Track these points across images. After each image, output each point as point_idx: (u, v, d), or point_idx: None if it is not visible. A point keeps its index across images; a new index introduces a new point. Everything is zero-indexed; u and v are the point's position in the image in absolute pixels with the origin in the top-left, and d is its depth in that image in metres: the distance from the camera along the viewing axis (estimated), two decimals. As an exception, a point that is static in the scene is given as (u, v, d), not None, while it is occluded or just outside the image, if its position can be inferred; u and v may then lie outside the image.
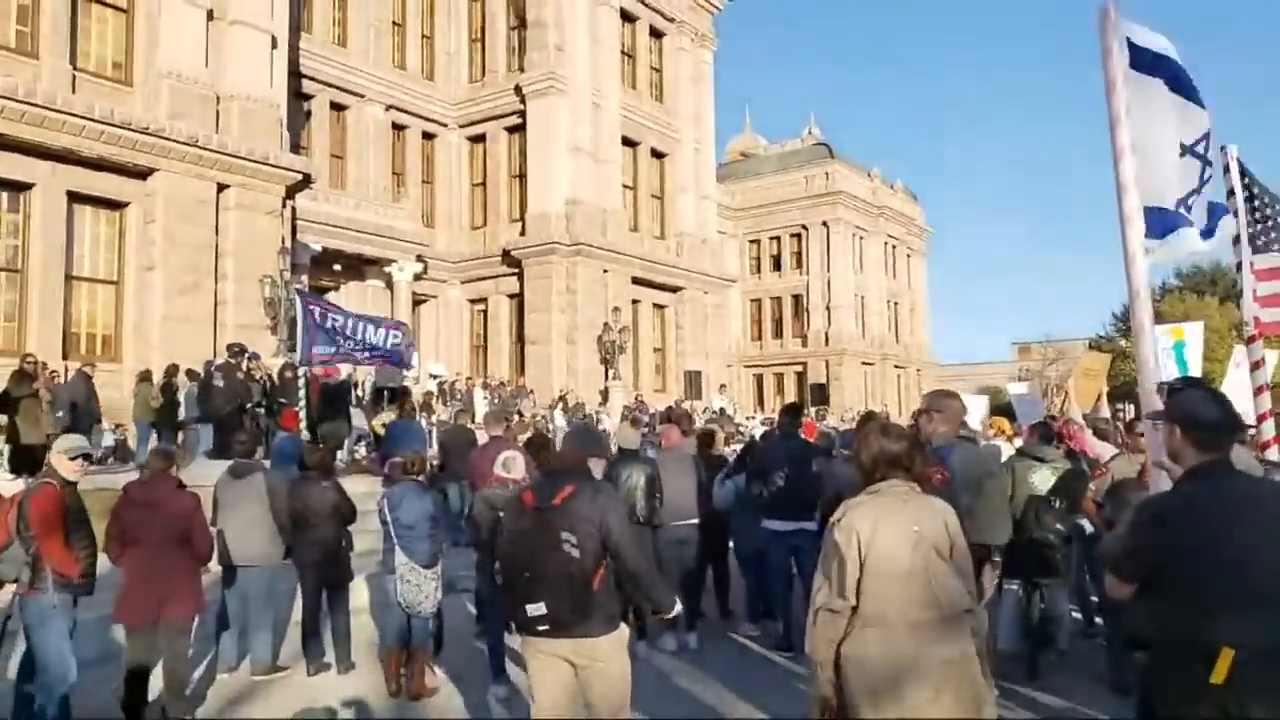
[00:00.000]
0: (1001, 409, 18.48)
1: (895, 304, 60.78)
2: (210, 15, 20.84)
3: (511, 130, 33.97)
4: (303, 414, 13.28)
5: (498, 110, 33.98)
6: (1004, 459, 7.53)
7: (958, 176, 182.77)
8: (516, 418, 20.63)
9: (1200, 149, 4.16)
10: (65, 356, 17.82)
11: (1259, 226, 5.90)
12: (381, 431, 14.42)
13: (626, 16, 34.95)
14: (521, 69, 32.97)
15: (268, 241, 21.18)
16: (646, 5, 35.49)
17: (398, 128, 33.64)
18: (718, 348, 38.23)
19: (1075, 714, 5.85)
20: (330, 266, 28.24)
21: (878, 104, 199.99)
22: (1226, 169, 5.81)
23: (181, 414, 15.36)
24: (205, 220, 20.20)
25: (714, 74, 39.41)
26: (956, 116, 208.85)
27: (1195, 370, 10.32)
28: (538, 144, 32.26)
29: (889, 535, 3.14)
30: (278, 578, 7.37)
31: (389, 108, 32.82)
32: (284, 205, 22.20)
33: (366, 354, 13.65)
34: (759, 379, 56.86)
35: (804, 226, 55.69)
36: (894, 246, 60.98)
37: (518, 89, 32.71)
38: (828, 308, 54.62)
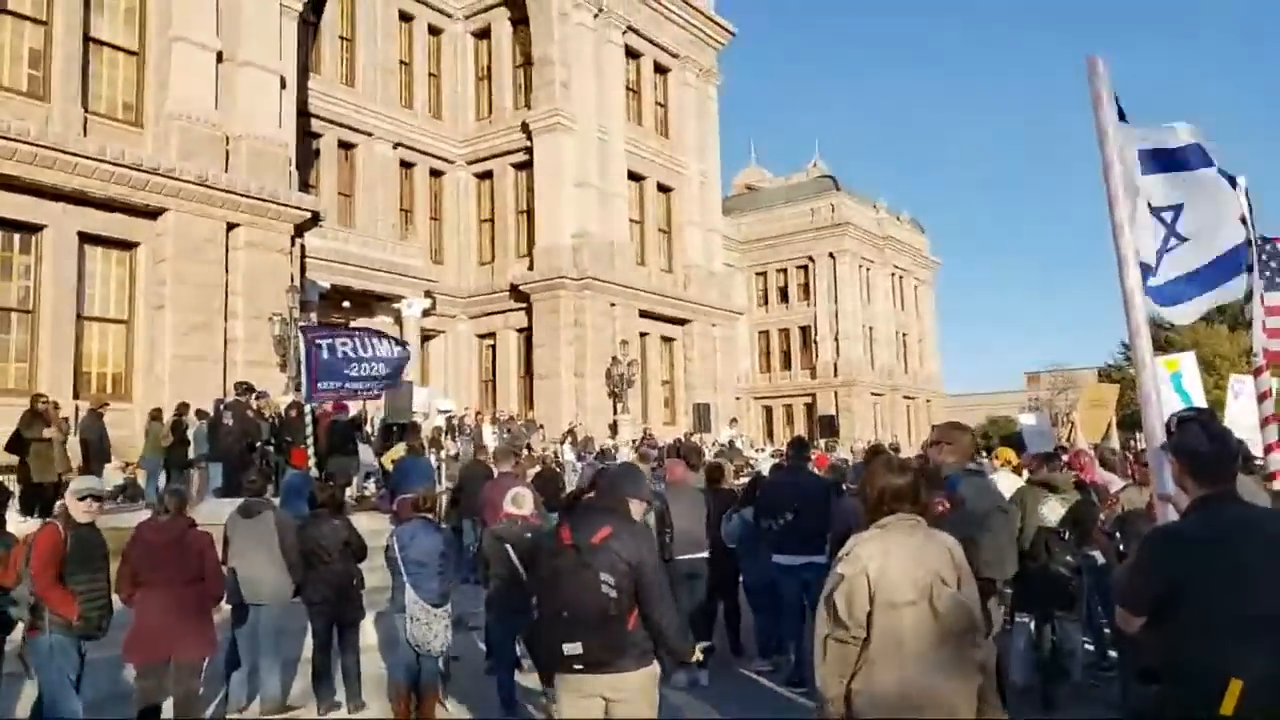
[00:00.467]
0: (1009, 439, 18.40)
1: (904, 335, 60.74)
2: (220, 57, 21.16)
3: (519, 166, 34.29)
4: (311, 451, 13.31)
5: (505, 147, 34.32)
6: (1011, 490, 7.50)
7: (965, 206, 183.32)
8: (525, 452, 20.66)
9: (1167, 217, 4.24)
10: (76, 396, 17.91)
11: (1270, 263, 5.94)
12: (391, 468, 14.44)
13: (631, 53, 35.38)
14: (528, 106, 33.34)
15: (277, 279, 21.35)
16: (651, 42, 35.92)
17: (406, 165, 33.98)
18: (726, 380, 38.21)
19: (1091, 748, 5.79)
20: (339, 303, 28.41)
21: (883, 136, 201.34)
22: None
23: (191, 452, 15.41)
24: (215, 259, 20.38)
25: (718, 108, 39.81)
26: (962, 147, 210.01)
27: (1199, 399, 10.30)
28: (545, 180, 32.55)
29: (897, 568, 3.14)
30: (288, 616, 7.36)
31: (397, 145, 33.18)
32: (293, 243, 22.40)
33: (376, 382, 13.51)
34: (768, 411, 56.75)
35: (810, 258, 55.85)
36: (901, 277, 61.06)
37: (524, 126, 33.05)
38: (836, 339, 54.61)
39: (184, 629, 5.78)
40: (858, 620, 3.16)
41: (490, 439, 23.25)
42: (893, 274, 59.77)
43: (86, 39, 19.27)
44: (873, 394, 55.50)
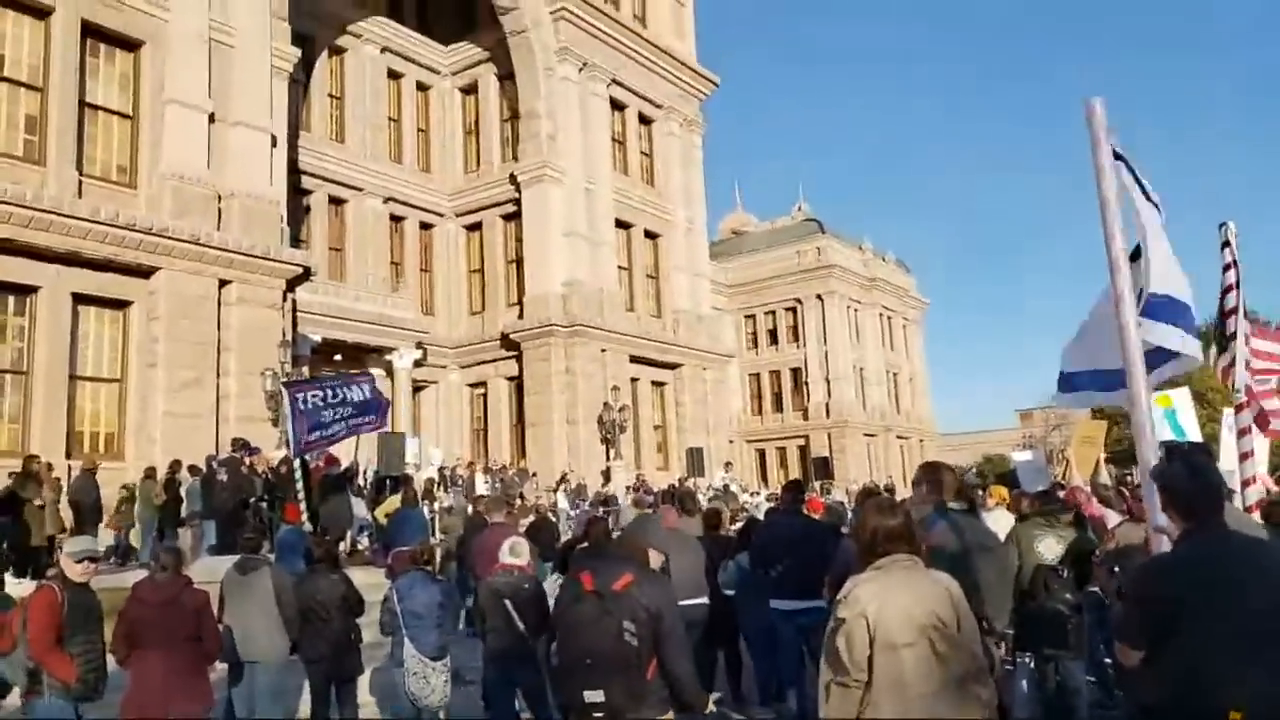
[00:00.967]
0: (1004, 477, 18.42)
1: (894, 375, 60.95)
2: (211, 117, 21.43)
3: (507, 218, 34.61)
4: (303, 505, 13.27)
5: (493, 199, 34.68)
6: (1005, 528, 7.51)
7: (951, 246, 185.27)
8: (519, 501, 20.57)
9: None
10: (69, 455, 17.84)
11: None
12: (385, 521, 14.38)
13: (616, 105, 35.93)
14: (515, 158, 33.76)
15: (269, 335, 21.41)
16: (635, 94, 36.50)
17: (395, 219, 34.27)
18: (719, 423, 38.23)
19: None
20: (331, 356, 28.44)
21: (867, 178, 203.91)
22: (1226, 244, 6.00)
23: (184, 510, 15.33)
24: (207, 316, 20.45)
25: (703, 155, 40.35)
26: (946, 186, 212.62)
27: (1194, 434, 10.37)
28: (533, 230, 32.84)
29: (895, 609, 3.18)
30: (285, 673, 7.30)
31: (387, 200, 33.50)
32: (285, 298, 22.49)
33: (344, 425, 13.52)
34: (761, 453, 56.68)
35: (798, 300, 56.23)
36: (889, 317, 61.43)
37: (512, 178, 33.44)
38: (827, 380, 54.76)
39: (181, 688, 5.74)
40: (858, 663, 3.19)
41: (483, 489, 23.17)
42: (881, 314, 60.14)
43: (81, 104, 19.53)
44: (866, 434, 55.53)
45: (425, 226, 35.44)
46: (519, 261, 33.78)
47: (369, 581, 10.37)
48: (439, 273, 35.58)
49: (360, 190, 32.54)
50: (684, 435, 35.62)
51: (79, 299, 19.07)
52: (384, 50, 34.06)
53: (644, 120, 37.63)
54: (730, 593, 8.29)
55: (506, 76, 34.45)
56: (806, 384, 55.43)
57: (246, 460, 14.93)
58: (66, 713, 5.31)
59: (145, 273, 19.80)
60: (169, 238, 19.62)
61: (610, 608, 3.80)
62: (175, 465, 16.32)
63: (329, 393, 13.26)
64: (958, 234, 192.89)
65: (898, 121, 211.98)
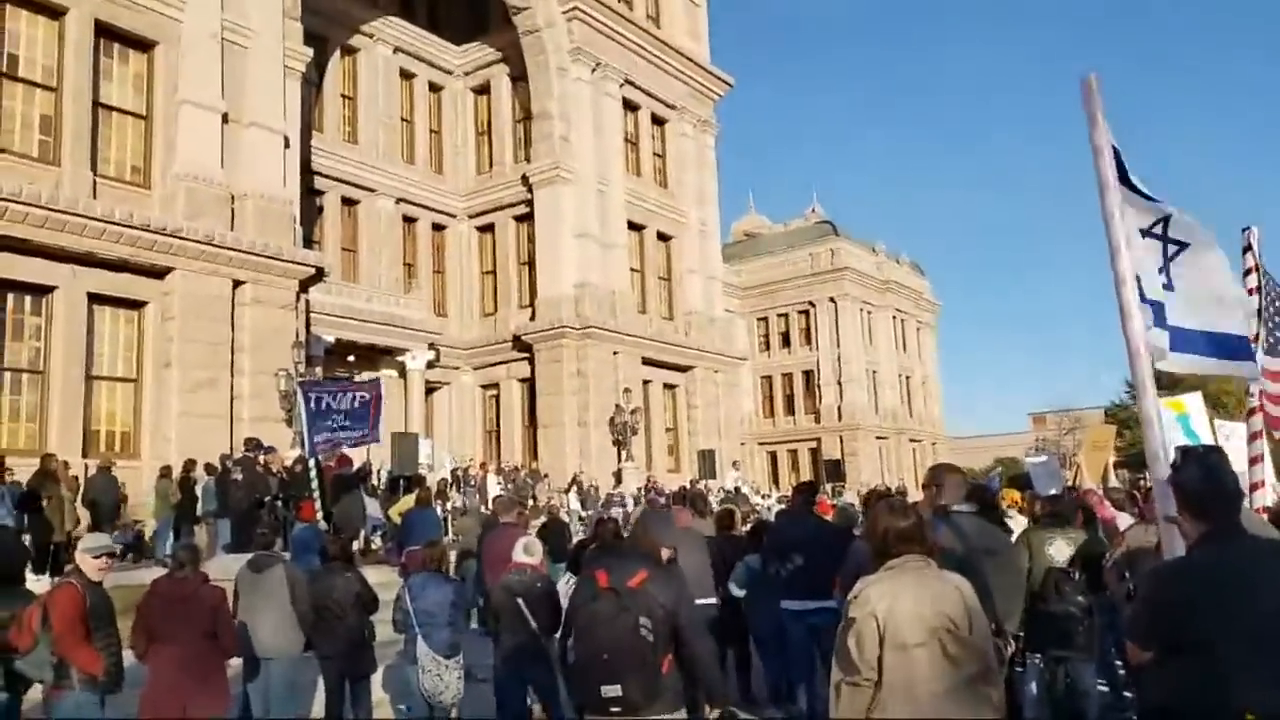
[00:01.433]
0: (1016, 480, 18.39)
1: (907, 378, 60.78)
2: (225, 118, 21.56)
3: (519, 219, 34.70)
4: (318, 504, 13.37)
5: (506, 200, 34.78)
6: (1017, 531, 7.52)
7: (965, 248, 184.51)
8: (530, 502, 20.65)
9: (1158, 230, 4.21)
10: (85, 454, 18.00)
11: (1273, 321, 6.08)
12: (398, 520, 14.46)
13: (629, 106, 35.98)
14: (528, 159, 33.85)
15: (283, 335, 21.53)
16: (648, 94, 36.53)
17: (408, 220, 34.41)
18: (730, 426, 38.22)
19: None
20: (344, 357, 28.60)
21: (881, 180, 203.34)
22: (1247, 248, 5.97)
23: (200, 509, 15.46)
24: (221, 316, 20.58)
25: (716, 157, 40.38)
26: (961, 187, 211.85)
27: (1207, 439, 10.33)
28: (545, 231, 32.92)
29: (905, 610, 3.20)
30: (300, 670, 7.36)
31: (399, 201, 33.64)
32: (298, 299, 22.61)
33: (347, 431, 13.64)
34: (773, 456, 56.61)
35: (811, 303, 56.15)
36: (903, 320, 61.28)
37: (525, 179, 33.52)
38: (839, 383, 54.66)
39: (198, 685, 5.81)
40: (868, 662, 3.21)
41: (495, 490, 23.25)
42: (894, 317, 60.01)
43: (96, 104, 19.68)
44: (878, 437, 55.42)
45: (438, 227, 35.57)
46: (531, 263, 33.87)
47: (382, 580, 10.44)
48: (451, 274, 35.70)
49: (373, 191, 32.69)
50: (695, 438, 35.64)
51: (94, 299, 19.23)
52: (396, 51, 34.22)
53: (657, 121, 37.67)
54: (741, 593, 8.31)
55: (519, 77, 34.55)
56: (819, 387, 55.35)
57: (261, 459, 15.04)
58: (93, 706, 5.38)
59: (160, 273, 19.95)
60: (183, 238, 19.76)
61: (627, 604, 3.85)
62: (190, 464, 16.46)
63: (333, 398, 13.40)
64: (972, 236, 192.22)
65: (911, 124, 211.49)
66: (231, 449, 17.85)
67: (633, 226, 35.40)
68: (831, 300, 55.53)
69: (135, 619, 5.93)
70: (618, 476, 29.88)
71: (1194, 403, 11.04)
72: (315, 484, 13.75)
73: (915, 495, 25.29)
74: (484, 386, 35.12)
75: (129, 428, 19.77)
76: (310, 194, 29.45)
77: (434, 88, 36.05)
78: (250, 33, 22.30)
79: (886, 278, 59.06)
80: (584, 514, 23.14)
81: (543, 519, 15.61)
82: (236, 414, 20.49)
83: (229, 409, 20.37)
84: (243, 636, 6.93)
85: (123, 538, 16.72)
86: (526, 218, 34.16)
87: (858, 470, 49.40)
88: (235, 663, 6.75)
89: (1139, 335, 3.84)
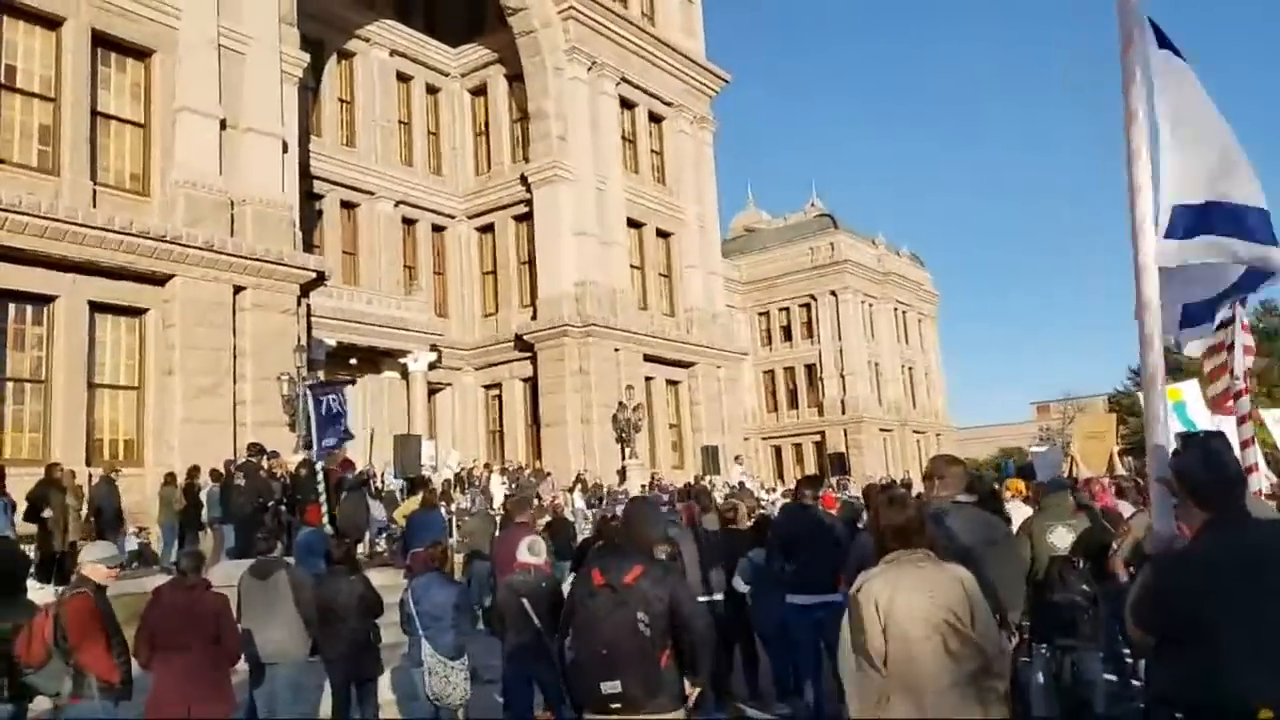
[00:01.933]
0: (1021, 470, 18.37)
1: (910, 369, 60.76)
2: (223, 125, 21.57)
3: (519, 219, 34.70)
4: (324, 508, 13.39)
5: (505, 200, 34.78)
6: (1018, 521, 7.51)
7: (966, 239, 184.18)
8: (535, 501, 20.64)
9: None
10: (88, 463, 18.00)
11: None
12: (403, 522, 14.48)
13: (626, 104, 35.95)
14: (526, 159, 33.83)
15: (284, 340, 21.54)
16: (644, 92, 36.50)
17: (408, 222, 34.41)
18: (734, 421, 38.22)
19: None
20: (346, 361, 28.61)
21: (879, 172, 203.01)
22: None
23: (204, 515, 15.48)
24: (223, 322, 20.60)
25: (714, 153, 40.32)
26: (959, 178, 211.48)
27: (1205, 425, 10.32)
28: (545, 230, 32.91)
29: (906, 603, 3.20)
30: (305, 674, 7.37)
31: (398, 203, 33.64)
32: (299, 303, 22.63)
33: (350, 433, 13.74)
34: (777, 450, 56.60)
35: (812, 297, 56.12)
36: (904, 312, 61.25)
37: (523, 179, 33.51)
38: (842, 376, 54.64)
39: (202, 691, 5.82)
40: (875, 655, 3.21)
41: (499, 490, 23.27)
42: (895, 309, 59.97)
43: (94, 113, 19.68)
44: (881, 430, 55.39)
45: (437, 229, 35.58)
46: (531, 262, 33.87)
47: (388, 583, 10.45)
48: (452, 275, 35.71)
49: (372, 194, 32.70)
50: (699, 434, 35.64)
51: (96, 307, 19.25)
52: (393, 54, 34.21)
53: (654, 118, 37.64)
54: (746, 589, 8.31)
55: (515, 77, 34.53)
56: (821, 380, 55.33)
57: (265, 464, 15.05)
58: (111, 712, 5.40)
59: (160, 280, 19.96)
60: (183, 245, 19.78)
61: (624, 599, 3.85)
62: (194, 471, 16.48)
63: (338, 397, 13.43)
64: (972, 228, 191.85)
65: (909, 118, 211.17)
66: (235, 454, 17.87)
67: (632, 224, 35.39)
68: (832, 293, 55.51)
69: (139, 627, 5.94)
70: (622, 474, 29.87)
71: (1190, 390, 11.02)
72: (321, 487, 13.78)
73: (920, 487, 25.24)
74: (486, 387, 35.13)
75: (132, 435, 19.80)
76: (309, 198, 29.45)
77: (431, 90, 36.03)
78: (247, 39, 22.30)
79: (887, 270, 59.03)
80: (589, 512, 23.14)
81: (547, 518, 15.63)
82: (239, 419, 20.51)
83: (232, 414, 20.39)
84: (247, 642, 6.95)
85: (123, 544, 16.78)
86: (526, 217, 34.15)
87: (862, 463, 49.39)
88: (241, 668, 6.76)
89: (1151, 284, 3.41)
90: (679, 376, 36.30)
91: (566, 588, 7.05)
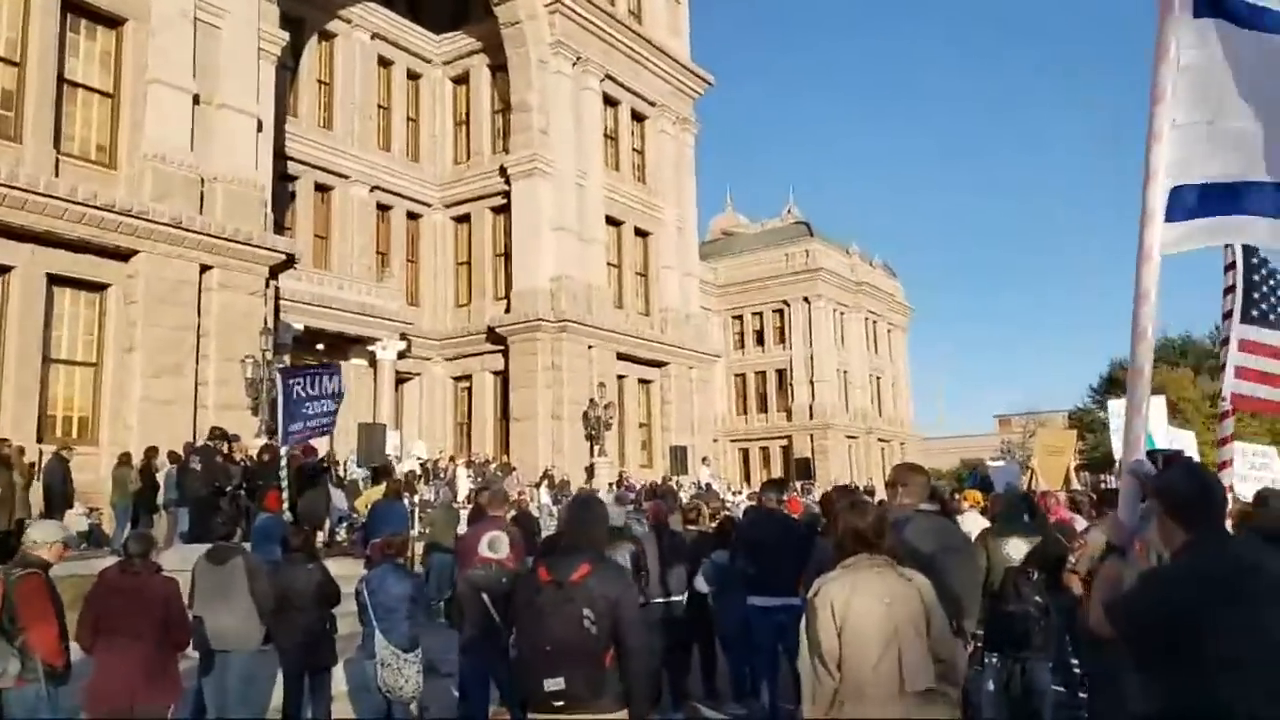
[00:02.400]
0: (981, 482, 18.55)
1: (878, 378, 61.28)
2: (196, 99, 21.20)
3: (496, 210, 34.47)
4: (285, 495, 13.17)
5: (482, 191, 34.54)
6: (976, 531, 7.56)
7: (939, 253, 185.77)
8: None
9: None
10: (40, 440, 17.61)
11: (1262, 298, 6.02)
12: (365, 512, 14.31)
13: (609, 101, 35.85)
14: (506, 151, 33.62)
15: (250, 322, 21.23)
16: (628, 90, 36.42)
17: (382, 208, 34.09)
18: (703, 422, 38.26)
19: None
20: (313, 345, 28.28)
21: (857, 176, 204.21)
22: (1227, 244, 5.61)
23: (161, 498, 15.20)
24: (187, 301, 20.26)
25: (696, 155, 40.32)
26: (934, 190, 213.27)
27: (1161, 442, 10.46)
28: (522, 223, 32.72)
29: (861, 608, 3.18)
30: (258, 663, 7.22)
31: (373, 188, 33.32)
32: (267, 285, 22.32)
33: (327, 418, 13.39)
34: (745, 453, 56.82)
35: (786, 303, 56.40)
36: (875, 322, 61.73)
37: (502, 170, 33.31)
38: (811, 382, 54.98)
39: (147, 678, 5.66)
40: (829, 658, 3.19)
41: (465, 483, 23.12)
42: (866, 319, 60.42)
43: (61, 80, 19.24)
44: (848, 436, 55.80)
45: (413, 216, 35.28)
46: (507, 255, 33.65)
47: (347, 573, 10.29)
48: (425, 264, 35.43)
49: (347, 178, 32.36)
50: (668, 434, 35.63)
51: (54, 280, 18.79)
52: (375, 37, 33.87)
53: (637, 117, 37.58)
54: (708, 589, 8.28)
55: (499, 68, 34.32)
56: (791, 385, 55.63)
57: (224, 448, 14.80)
58: (54, 698, 5.28)
59: (124, 255, 19.58)
60: (149, 220, 19.41)
61: (571, 596, 3.79)
62: (152, 452, 16.16)
63: (309, 382, 13.15)
64: (945, 238, 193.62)
65: (889, 126, 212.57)
66: (195, 436, 17.60)
67: (611, 221, 35.30)
68: (805, 300, 55.82)
69: (82, 610, 5.78)
70: (590, 471, 29.79)
71: (1155, 408, 11.16)
72: (284, 474, 13.54)
73: (883, 494, 25.43)
74: (456, 378, 34.89)
75: (87, 413, 19.38)
76: (283, 179, 29.08)
77: (412, 75, 35.72)
78: (223, 12, 21.95)
79: (860, 279, 59.49)
80: (554, 509, 23.03)
81: (512, 513, 15.52)
82: (200, 401, 20.19)
83: (193, 396, 20.07)
84: (198, 629, 6.80)
85: (70, 524, 16.44)
86: (503, 209, 33.94)
87: (828, 469, 49.72)
88: (191, 655, 6.62)
89: (1154, 232, 3.13)
90: (651, 376, 36.28)
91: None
